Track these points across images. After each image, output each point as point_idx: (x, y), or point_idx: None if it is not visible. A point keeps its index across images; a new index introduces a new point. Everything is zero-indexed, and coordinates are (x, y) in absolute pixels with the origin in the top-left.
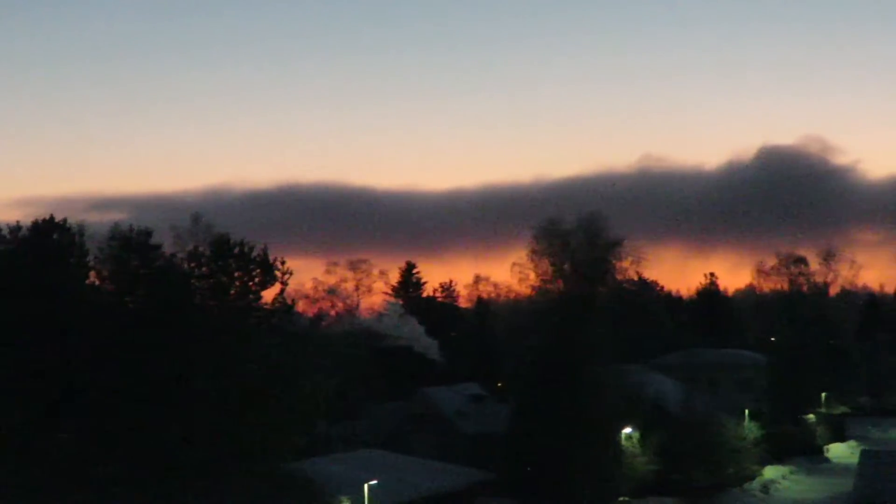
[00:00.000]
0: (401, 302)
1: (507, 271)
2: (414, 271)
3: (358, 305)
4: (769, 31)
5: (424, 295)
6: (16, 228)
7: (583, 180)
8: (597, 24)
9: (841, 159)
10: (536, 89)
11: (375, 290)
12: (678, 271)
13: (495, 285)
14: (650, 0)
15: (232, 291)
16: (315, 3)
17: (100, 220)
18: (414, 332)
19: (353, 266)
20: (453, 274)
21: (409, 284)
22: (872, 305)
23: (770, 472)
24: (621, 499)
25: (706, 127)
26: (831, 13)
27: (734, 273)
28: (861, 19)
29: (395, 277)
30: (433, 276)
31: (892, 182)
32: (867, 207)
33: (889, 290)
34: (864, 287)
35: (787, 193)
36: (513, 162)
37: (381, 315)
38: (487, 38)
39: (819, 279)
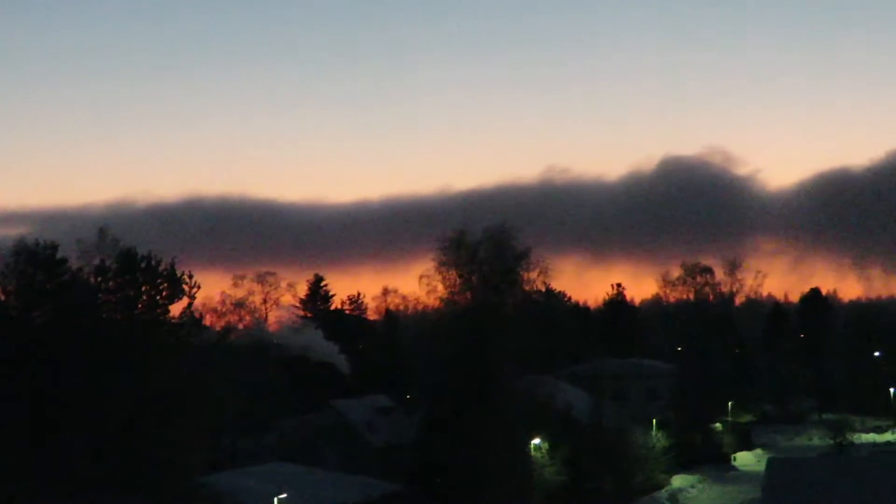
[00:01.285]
0: (309, 315)
1: (414, 283)
2: (322, 284)
3: (266, 318)
4: (670, 43)
5: (333, 307)
6: None
7: (487, 192)
8: (499, 36)
9: (742, 170)
10: (439, 101)
11: (283, 303)
12: (585, 282)
13: (403, 297)
14: (551, 12)
15: (139, 305)
16: (215, 14)
17: (4, 235)
18: (322, 345)
19: (261, 279)
20: (361, 286)
21: (317, 297)
22: (777, 314)
23: (678, 480)
24: None
25: (609, 138)
26: (731, 26)
27: (640, 283)
28: (760, 32)
29: (302, 290)
30: (341, 288)
31: (791, 191)
32: (767, 217)
33: (793, 298)
34: (769, 296)
35: (689, 203)
36: (416, 174)
37: (289, 328)
38: (389, 50)
39: (724, 289)
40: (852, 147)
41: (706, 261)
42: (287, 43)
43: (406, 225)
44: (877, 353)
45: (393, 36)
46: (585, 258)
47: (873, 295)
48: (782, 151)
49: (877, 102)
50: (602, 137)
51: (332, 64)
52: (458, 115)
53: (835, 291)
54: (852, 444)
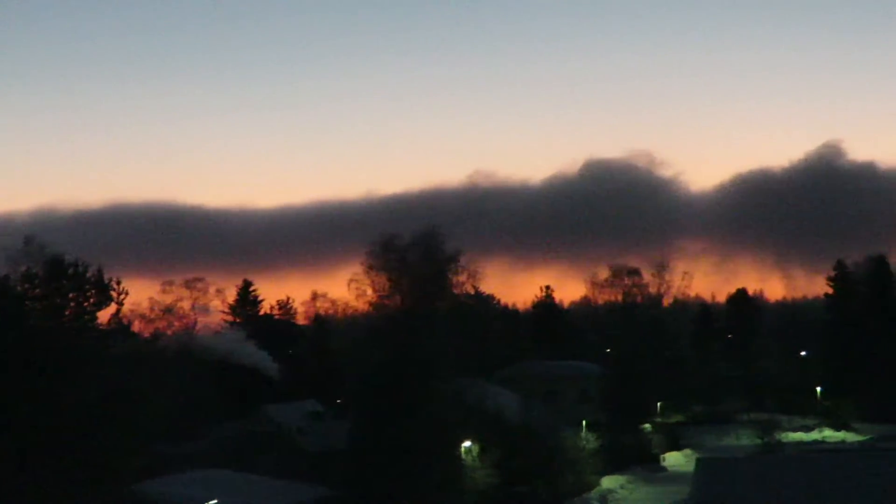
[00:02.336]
0: (238, 320)
1: (343, 287)
2: (251, 289)
3: (195, 324)
4: (594, 47)
5: (262, 312)
6: None
7: (413, 196)
8: (423, 41)
9: (666, 172)
10: (364, 105)
11: (213, 309)
12: (513, 285)
13: (333, 301)
14: (475, 18)
15: (67, 312)
16: (140, 20)
17: None
18: (252, 350)
19: (189, 285)
20: (290, 291)
21: (246, 302)
22: (705, 315)
23: (608, 481)
24: None
25: (535, 142)
26: (653, 30)
27: (569, 285)
28: (681, 36)
29: (231, 296)
30: (270, 293)
31: (713, 193)
32: (691, 218)
33: (721, 299)
34: (697, 297)
35: (614, 206)
36: (341, 178)
37: (218, 333)
38: (313, 55)
39: (652, 290)
40: (772, 148)
41: (632, 262)
42: (211, 49)
43: (332, 229)
44: (803, 353)
45: (317, 41)
46: (512, 261)
47: (798, 295)
48: (704, 153)
49: (796, 104)
50: (527, 141)
51: (257, 69)
52: (383, 120)
53: (761, 292)
54: (780, 443)
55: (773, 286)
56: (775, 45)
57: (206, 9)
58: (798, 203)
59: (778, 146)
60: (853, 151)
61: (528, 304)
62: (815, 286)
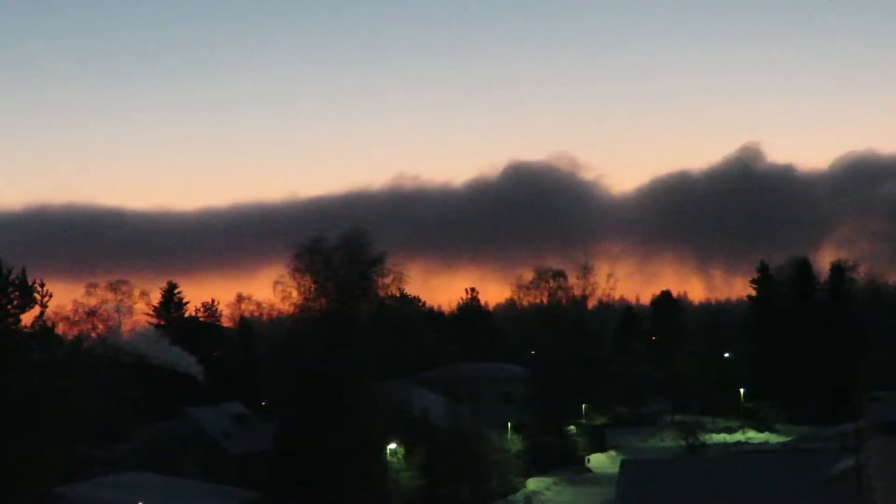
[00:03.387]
0: (163, 322)
1: (268, 290)
2: (175, 291)
3: (119, 327)
4: (517, 50)
5: (187, 315)
6: None
7: (335, 199)
8: (346, 44)
9: (588, 175)
10: (286, 107)
11: (137, 311)
12: (438, 287)
13: (258, 304)
14: (398, 22)
15: None
16: (58, 22)
17: None
18: (177, 353)
19: (113, 287)
20: (215, 293)
21: (171, 305)
22: (629, 317)
23: (533, 483)
24: None
25: (458, 144)
26: (574, 34)
27: (493, 288)
28: (604, 40)
29: (156, 298)
30: (195, 295)
31: (633, 196)
32: (614, 221)
33: (645, 301)
34: (621, 299)
35: (537, 208)
36: (262, 181)
37: (143, 336)
38: (234, 56)
39: (577, 292)
40: (692, 151)
41: (555, 265)
42: (130, 51)
43: (255, 232)
44: (727, 355)
45: (238, 42)
46: (436, 264)
47: (721, 297)
48: (625, 156)
49: (715, 107)
50: (451, 144)
51: (175, 70)
52: (305, 123)
53: (685, 293)
54: (704, 444)
55: (696, 288)
56: (693, 49)
57: (124, 10)
58: (718, 205)
59: (697, 149)
60: (772, 154)
61: (453, 306)
62: (738, 288)
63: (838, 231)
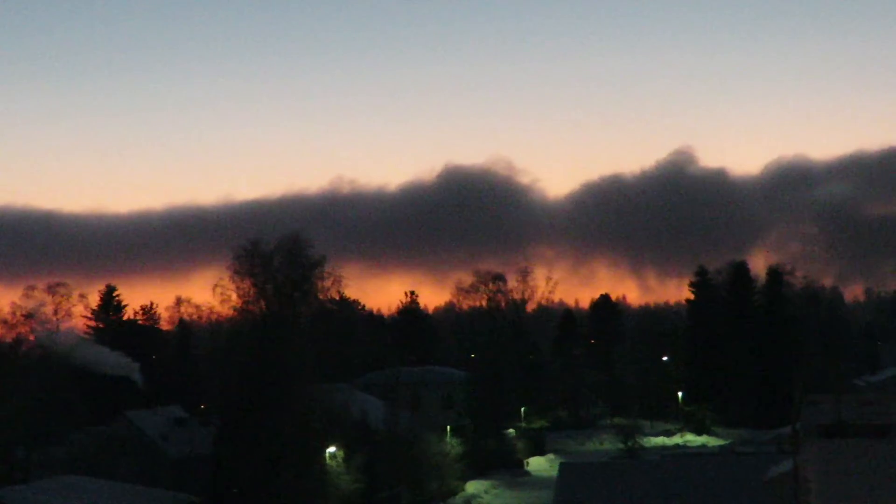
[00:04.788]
0: (102, 325)
1: (205, 292)
2: (114, 294)
3: (58, 329)
4: (453, 54)
5: (126, 318)
6: None
7: (273, 202)
8: (282, 46)
9: (524, 179)
10: (221, 112)
11: (76, 314)
12: (378, 290)
13: (197, 307)
14: (334, 25)
15: None
16: None
17: None
18: (115, 356)
19: (52, 290)
20: (153, 296)
21: (109, 307)
22: (568, 320)
23: (472, 486)
24: None
25: (397, 148)
26: (510, 39)
27: (433, 290)
28: (539, 45)
29: (95, 301)
30: (133, 298)
31: (568, 200)
32: (550, 225)
33: (584, 305)
34: (560, 302)
35: (474, 212)
36: (197, 184)
37: (81, 339)
38: (167, 58)
39: (516, 296)
40: (625, 156)
41: (493, 268)
42: (63, 52)
43: (191, 235)
44: (665, 358)
45: (172, 44)
46: (375, 267)
47: (659, 300)
48: (559, 160)
49: (647, 112)
50: (390, 147)
51: (108, 72)
52: (239, 126)
53: (624, 297)
54: (642, 447)
55: (636, 292)
56: (627, 54)
57: (55, 11)
58: (652, 209)
59: (631, 153)
60: (704, 158)
61: (393, 309)
62: (672, 291)
63: (770, 234)
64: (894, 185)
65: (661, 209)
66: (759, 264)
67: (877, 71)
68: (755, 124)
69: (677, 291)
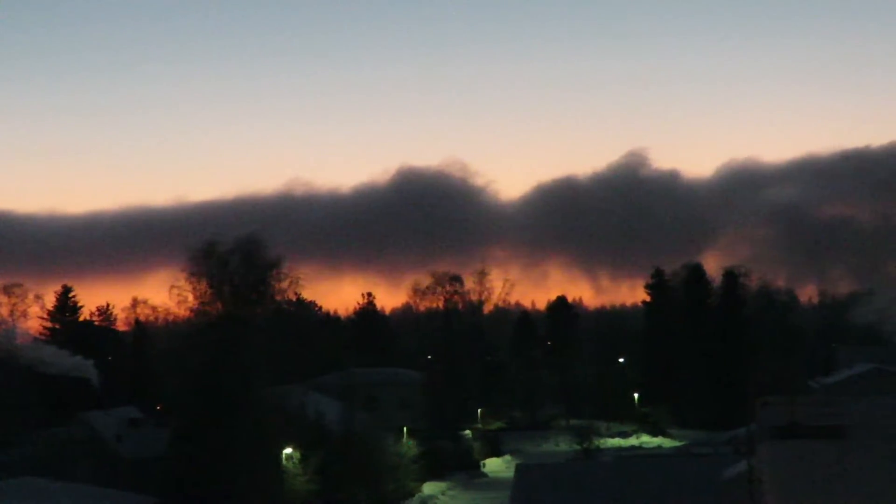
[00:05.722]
0: (58, 326)
1: (161, 293)
2: (70, 295)
3: (14, 330)
4: (406, 55)
5: (82, 319)
6: None
7: (227, 203)
8: (236, 47)
9: (478, 181)
10: (175, 113)
11: (31, 315)
12: (334, 292)
13: (153, 308)
14: (289, 25)
15: None
16: None
17: None
18: (71, 357)
19: (7, 290)
20: (109, 297)
21: (65, 308)
22: (524, 322)
23: (429, 488)
24: None
25: (353, 150)
26: (463, 40)
27: (389, 292)
28: (491, 46)
29: (50, 302)
30: (89, 299)
31: (521, 202)
32: (504, 227)
33: (540, 306)
34: (517, 304)
35: (428, 213)
36: (151, 185)
37: (36, 340)
38: (124, 59)
39: (473, 297)
40: (577, 158)
41: (448, 270)
42: (13, 52)
43: (145, 236)
44: (622, 360)
45: (124, 45)
46: (331, 269)
47: (616, 302)
48: (513, 162)
49: (599, 114)
50: (346, 149)
51: (60, 72)
52: (193, 127)
53: (580, 299)
54: (598, 448)
55: (592, 293)
56: (579, 56)
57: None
58: (606, 211)
59: (584, 155)
60: (657, 160)
61: (350, 310)
62: (628, 293)
63: (722, 237)
64: (845, 187)
65: (614, 211)
66: (711, 266)
67: (828, 74)
68: (707, 127)
69: (631, 293)
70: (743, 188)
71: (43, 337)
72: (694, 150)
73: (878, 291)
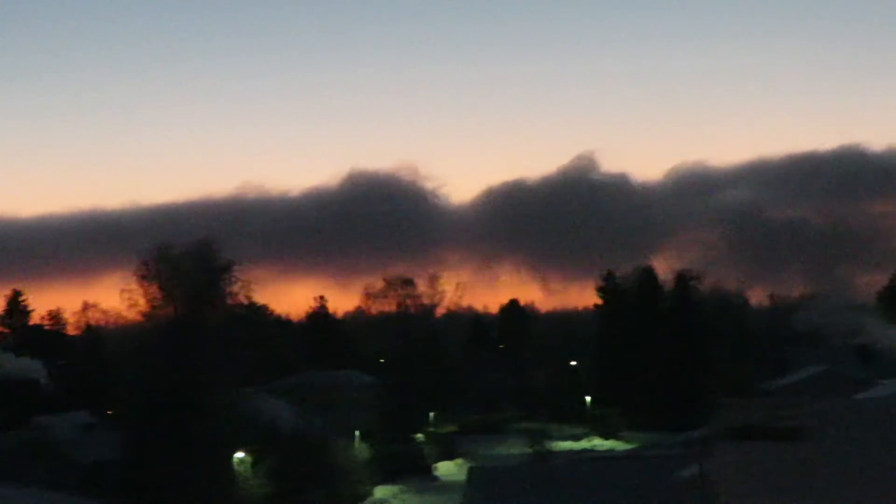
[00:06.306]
0: (7, 331)
1: (113, 297)
2: (20, 299)
3: None
4: (358, 58)
5: (32, 323)
6: None
7: (179, 207)
8: (187, 52)
9: (429, 184)
10: (126, 115)
11: None
12: (287, 295)
13: (104, 312)
14: (243, 28)
15: None
16: None
17: None
18: (21, 362)
19: None
20: (60, 301)
21: (15, 312)
22: (477, 325)
23: (381, 491)
24: None
25: (302, 153)
26: (414, 43)
27: (342, 295)
28: (442, 50)
29: (0, 306)
30: (40, 303)
31: (470, 206)
32: (455, 230)
33: (493, 310)
34: (470, 308)
35: (377, 217)
36: (102, 188)
37: None
38: (73, 60)
39: (426, 301)
40: (526, 161)
41: (399, 273)
42: None
43: (97, 239)
44: (574, 363)
45: (75, 47)
46: (283, 272)
47: (567, 305)
48: (462, 165)
49: (548, 117)
50: (298, 152)
51: (9, 74)
52: (144, 129)
53: (533, 302)
54: (550, 451)
55: (544, 296)
56: (528, 59)
57: None
58: (556, 215)
59: (533, 158)
60: (606, 164)
61: (302, 314)
62: (578, 296)
63: (673, 240)
64: (795, 191)
65: (564, 214)
66: (662, 269)
67: (777, 78)
68: (656, 130)
69: (582, 296)
70: (693, 191)
71: None
72: (643, 154)
73: (828, 295)
